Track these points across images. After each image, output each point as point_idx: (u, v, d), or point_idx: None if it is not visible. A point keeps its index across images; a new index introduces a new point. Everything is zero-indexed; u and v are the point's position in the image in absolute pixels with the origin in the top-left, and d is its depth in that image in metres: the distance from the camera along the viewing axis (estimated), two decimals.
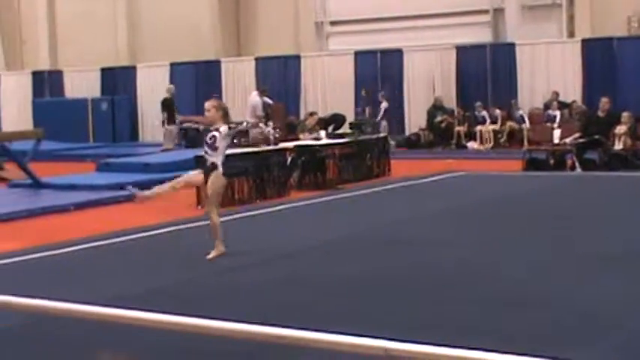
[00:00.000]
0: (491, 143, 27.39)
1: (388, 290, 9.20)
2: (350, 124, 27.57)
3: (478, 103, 27.88)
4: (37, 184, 19.61)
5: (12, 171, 21.87)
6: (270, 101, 27.88)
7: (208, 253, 11.12)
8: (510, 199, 16.50)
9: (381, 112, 28.42)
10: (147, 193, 11.58)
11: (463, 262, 10.53)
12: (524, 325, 7.53)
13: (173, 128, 28.22)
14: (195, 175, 11.67)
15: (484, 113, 27.80)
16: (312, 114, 22.58)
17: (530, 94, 28.15)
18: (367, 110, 28.47)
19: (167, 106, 28.76)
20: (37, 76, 36.25)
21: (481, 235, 12.49)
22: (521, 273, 9.78)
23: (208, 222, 11.41)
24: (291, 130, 25.88)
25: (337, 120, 27.97)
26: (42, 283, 9.92)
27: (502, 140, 27.34)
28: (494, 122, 27.64)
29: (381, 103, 28.73)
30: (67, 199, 17.47)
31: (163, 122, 28.87)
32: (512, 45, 28.49)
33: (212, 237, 11.26)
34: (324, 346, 3.88)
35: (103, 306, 5.10)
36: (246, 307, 8.31)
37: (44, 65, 36.76)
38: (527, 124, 26.86)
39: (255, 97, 27.75)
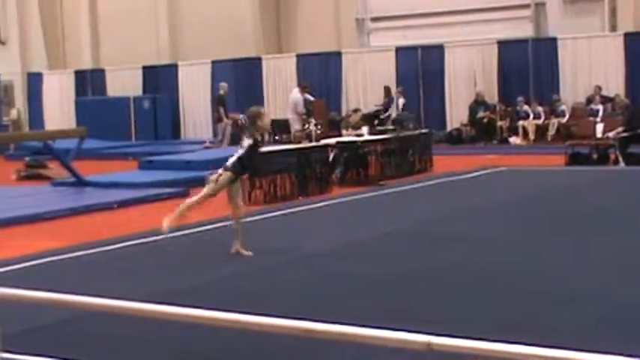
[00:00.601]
0: (534, 138, 27.20)
1: (431, 286, 9.17)
2: (392, 120, 27.52)
3: (520, 98, 27.72)
4: (80, 183, 19.74)
5: (55, 169, 22.04)
6: (311, 98, 27.89)
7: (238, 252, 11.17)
8: (553, 193, 16.39)
9: (399, 108, 28.30)
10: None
11: (506, 257, 10.47)
12: (569, 320, 7.47)
13: (227, 125, 28.17)
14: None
15: (526, 108, 27.63)
16: (355, 111, 22.56)
17: (573, 89, 27.93)
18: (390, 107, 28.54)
19: (221, 103, 28.76)
20: (80, 75, 36.49)
21: (524, 230, 12.41)
22: (564, 268, 9.71)
23: (247, 220, 11.44)
24: (333, 127, 25.88)
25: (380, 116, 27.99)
26: (85, 281, 9.97)
27: (547, 135, 27.11)
28: (536, 117, 27.46)
29: (398, 99, 28.65)
30: (110, 197, 17.57)
31: (218, 119, 28.86)
32: (554, 39, 28.28)
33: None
34: (366, 341, 3.86)
35: (147, 302, 5.11)
36: (287, 303, 8.31)
37: (86, 64, 36.99)
38: (565, 119, 26.72)
39: (296, 94, 27.76)
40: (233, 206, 11.42)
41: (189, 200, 11.37)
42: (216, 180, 11.04)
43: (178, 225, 11.48)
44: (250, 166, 11.68)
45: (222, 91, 29.18)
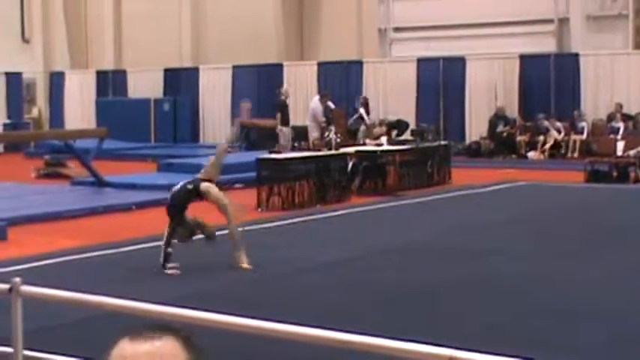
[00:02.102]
0: (553, 154, 27.11)
1: (448, 299, 9.17)
2: (412, 130, 27.51)
3: (540, 115, 27.62)
4: (99, 183, 19.80)
5: (74, 169, 22.12)
6: (332, 106, 27.87)
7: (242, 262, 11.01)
8: (572, 210, 16.35)
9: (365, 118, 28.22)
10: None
11: (524, 272, 10.46)
12: (583, 338, 7.46)
13: (286, 129, 28.06)
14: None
15: (546, 124, 27.56)
16: (381, 123, 22.57)
17: (594, 106, 27.84)
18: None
19: (281, 107, 28.58)
20: (101, 76, 36.59)
21: (542, 246, 12.39)
22: (581, 285, 9.69)
23: (268, 225, 11.46)
24: (352, 135, 25.89)
25: (401, 126, 27.94)
26: (103, 281, 10.01)
27: (566, 151, 27.01)
28: (557, 132, 27.38)
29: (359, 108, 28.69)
30: (129, 198, 17.62)
31: (277, 124, 28.69)
32: (576, 55, 28.20)
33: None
34: (388, 353, 3.87)
35: (163, 305, 5.14)
36: (303, 311, 8.33)
37: (108, 65, 37.10)
38: (584, 136, 26.66)
39: (316, 102, 27.75)
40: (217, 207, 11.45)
41: (232, 231, 11.24)
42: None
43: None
44: None
45: (283, 97, 28.96)
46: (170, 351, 1.86)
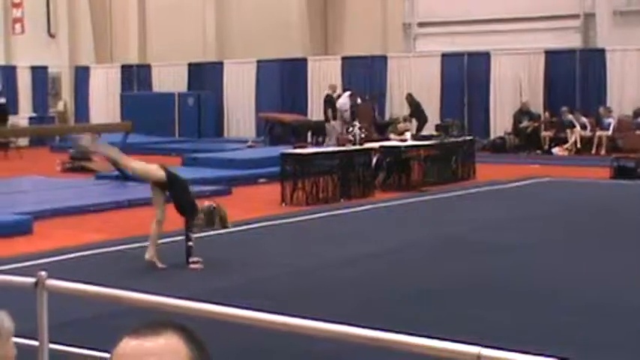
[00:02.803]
0: (578, 150, 26.96)
1: (475, 295, 9.13)
2: (436, 125, 27.42)
3: (564, 108, 27.48)
4: (123, 177, 19.82)
5: (99, 163, 22.17)
6: (358, 100, 27.86)
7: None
8: (598, 206, 16.25)
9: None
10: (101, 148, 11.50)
11: (549, 268, 10.41)
12: (611, 336, 7.41)
13: (336, 124, 28.08)
14: (154, 169, 11.38)
15: (570, 118, 27.41)
16: (405, 119, 22.53)
17: (619, 101, 27.67)
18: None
19: (331, 103, 28.61)
20: (126, 70, 36.70)
21: (568, 242, 12.33)
22: (609, 282, 9.63)
23: (292, 219, 11.43)
24: (378, 131, 25.85)
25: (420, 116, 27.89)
26: (128, 275, 10.03)
27: (591, 147, 26.85)
28: (582, 128, 27.23)
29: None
30: None
31: (327, 119, 28.71)
32: (602, 51, 28.04)
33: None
34: (413, 350, 3.85)
35: (187, 300, 5.13)
36: (328, 307, 8.31)
37: (133, 59, 37.20)
38: (609, 132, 26.50)
39: (345, 98, 27.76)
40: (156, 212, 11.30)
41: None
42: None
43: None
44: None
45: (330, 91, 29.01)
46: (172, 347, 1.85)
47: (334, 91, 28.86)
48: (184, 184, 11.21)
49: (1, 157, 27.22)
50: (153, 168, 11.26)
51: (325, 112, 28.67)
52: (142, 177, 11.62)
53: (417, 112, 28.13)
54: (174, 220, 11.20)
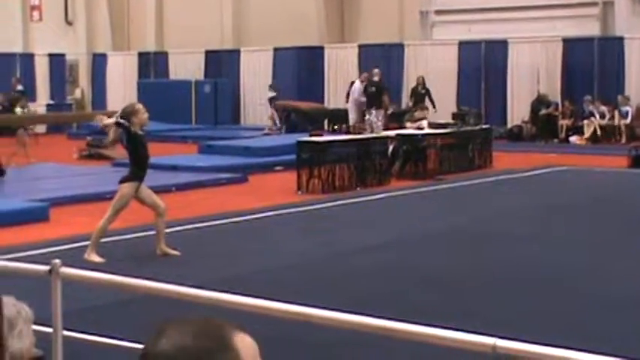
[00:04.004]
0: (596, 138, 26.84)
1: (491, 285, 9.09)
2: (453, 114, 27.34)
3: (587, 97, 27.33)
4: None
5: (116, 150, 22.18)
6: (373, 88, 27.76)
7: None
8: (616, 195, 16.17)
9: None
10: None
11: (568, 258, 10.36)
12: (629, 327, 7.37)
13: (351, 110, 27.96)
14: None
15: (591, 107, 27.29)
16: (422, 108, 22.45)
17: (638, 90, 27.53)
18: None
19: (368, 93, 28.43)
20: (143, 57, 36.72)
21: (587, 232, 12.27)
22: (627, 272, 9.58)
23: (308, 207, 11.41)
24: (393, 119, 25.77)
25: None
26: (142, 263, 10.04)
27: (609, 136, 26.72)
28: (602, 117, 27.11)
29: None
30: (170, 180, 17.64)
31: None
32: (620, 39, 27.89)
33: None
34: (428, 340, 3.82)
35: (201, 289, 5.11)
36: (343, 296, 8.29)
37: (150, 47, 37.22)
38: (628, 120, 26.38)
39: (357, 84, 27.68)
40: (151, 207, 10.96)
41: (100, 225, 10.73)
42: (121, 194, 10.69)
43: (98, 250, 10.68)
44: (142, 160, 11.09)
45: (363, 82, 28.56)
46: None
47: (363, 81, 28.30)
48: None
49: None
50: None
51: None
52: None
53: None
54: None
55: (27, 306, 3.21)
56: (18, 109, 29.05)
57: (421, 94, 28.26)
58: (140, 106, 11.06)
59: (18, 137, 22.72)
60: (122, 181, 10.80)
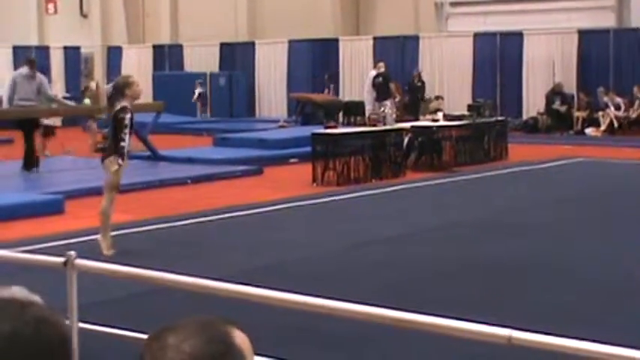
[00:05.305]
0: (612, 130, 26.73)
1: (507, 277, 9.07)
2: (468, 106, 27.28)
3: (600, 89, 27.24)
4: (155, 157, 19.89)
5: (131, 143, 22.21)
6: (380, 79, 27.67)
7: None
8: (632, 187, 16.10)
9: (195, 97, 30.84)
10: None
11: (585, 250, 10.33)
12: None
13: (389, 102, 27.94)
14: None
15: (606, 100, 27.18)
16: (437, 97, 22.38)
17: None
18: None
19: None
20: (158, 50, 36.76)
21: (603, 223, 12.23)
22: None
23: (323, 199, 11.39)
24: (408, 111, 25.71)
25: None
26: (157, 256, 10.04)
27: (625, 127, 26.61)
28: (617, 109, 27.00)
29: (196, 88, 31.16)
30: (185, 172, 17.68)
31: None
32: (636, 30, 27.77)
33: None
34: (446, 332, 3.82)
35: (218, 281, 5.11)
36: (360, 288, 8.29)
37: (165, 39, 37.25)
38: None
39: (372, 75, 27.60)
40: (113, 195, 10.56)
41: (103, 207, 10.47)
42: (116, 173, 10.36)
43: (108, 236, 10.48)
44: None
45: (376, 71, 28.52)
46: None
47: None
48: None
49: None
50: None
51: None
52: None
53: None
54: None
55: (39, 298, 3.21)
56: (87, 100, 29.17)
57: (418, 87, 28.47)
58: (134, 79, 10.95)
59: (87, 128, 23.28)
60: (104, 159, 10.57)
